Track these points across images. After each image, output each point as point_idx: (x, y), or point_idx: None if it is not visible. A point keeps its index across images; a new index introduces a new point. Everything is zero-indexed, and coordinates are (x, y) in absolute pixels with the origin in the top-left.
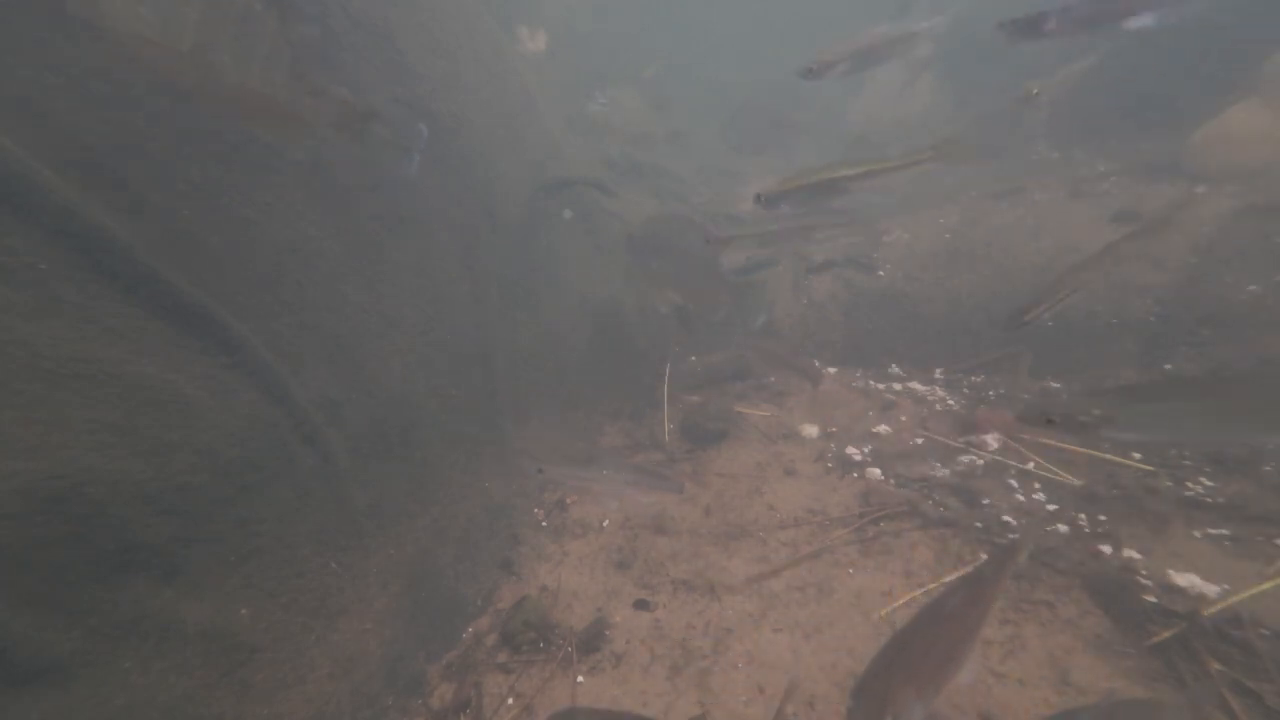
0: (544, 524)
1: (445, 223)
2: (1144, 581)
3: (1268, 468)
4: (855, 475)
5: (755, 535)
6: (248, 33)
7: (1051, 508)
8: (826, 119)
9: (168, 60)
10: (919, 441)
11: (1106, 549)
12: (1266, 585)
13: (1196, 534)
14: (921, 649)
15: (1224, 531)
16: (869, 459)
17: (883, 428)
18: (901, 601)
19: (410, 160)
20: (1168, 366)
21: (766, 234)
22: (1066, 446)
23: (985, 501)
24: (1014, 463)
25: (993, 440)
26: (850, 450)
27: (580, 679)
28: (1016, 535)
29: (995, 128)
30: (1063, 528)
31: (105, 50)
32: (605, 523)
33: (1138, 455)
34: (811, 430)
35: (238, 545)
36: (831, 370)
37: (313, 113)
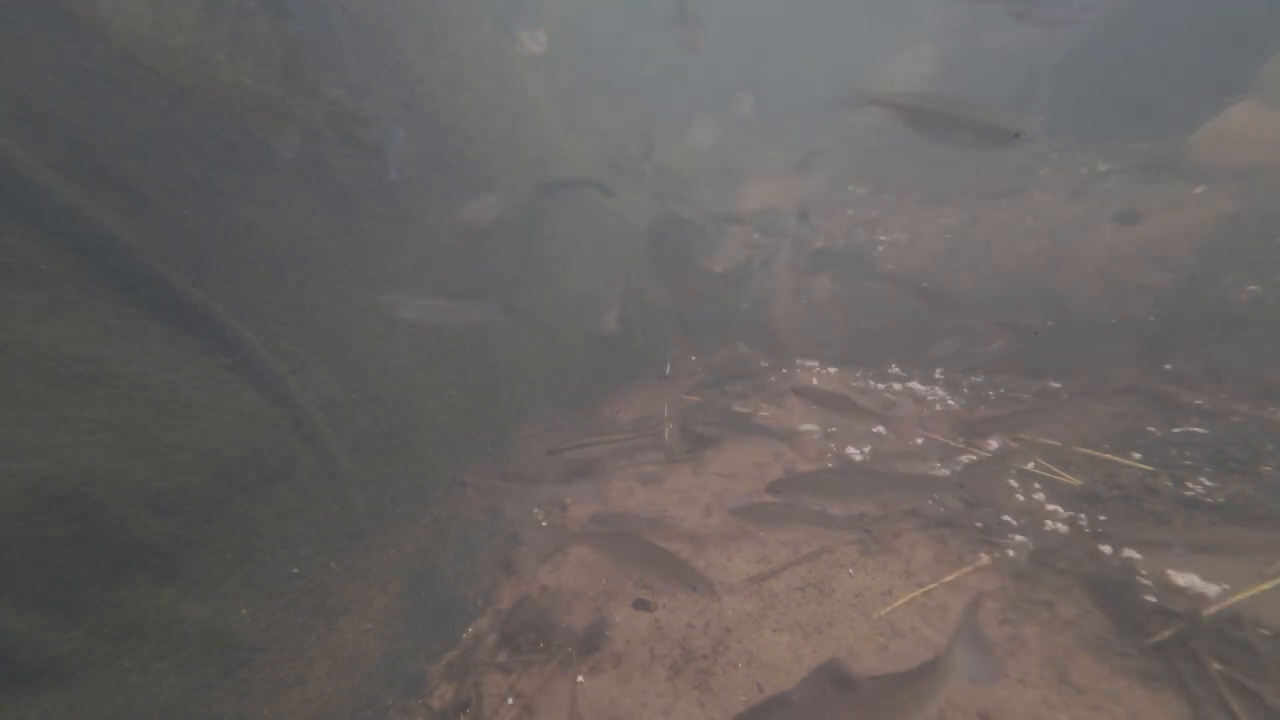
0: (544, 524)
1: (445, 223)
2: (1144, 581)
3: (1268, 468)
4: None
5: (755, 535)
6: (242, 31)
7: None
8: (826, 117)
9: (165, 58)
10: (919, 441)
11: (1106, 549)
12: (1266, 585)
13: None
14: None
15: None
16: (869, 459)
17: (883, 428)
18: (901, 601)
19: (389, 165)
20: (1168, 366)
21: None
22: (1067, 446)
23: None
24: (1014, 463)
25: (993, 440)
26: (850, 450)
27: (580, 679)
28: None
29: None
30: (1062, 528)
31: (105, 50)
32: None
33: (1137, 455)
34: (812, 430)
35: (238, 545)
36: (832, 370)
37: (306, 111)
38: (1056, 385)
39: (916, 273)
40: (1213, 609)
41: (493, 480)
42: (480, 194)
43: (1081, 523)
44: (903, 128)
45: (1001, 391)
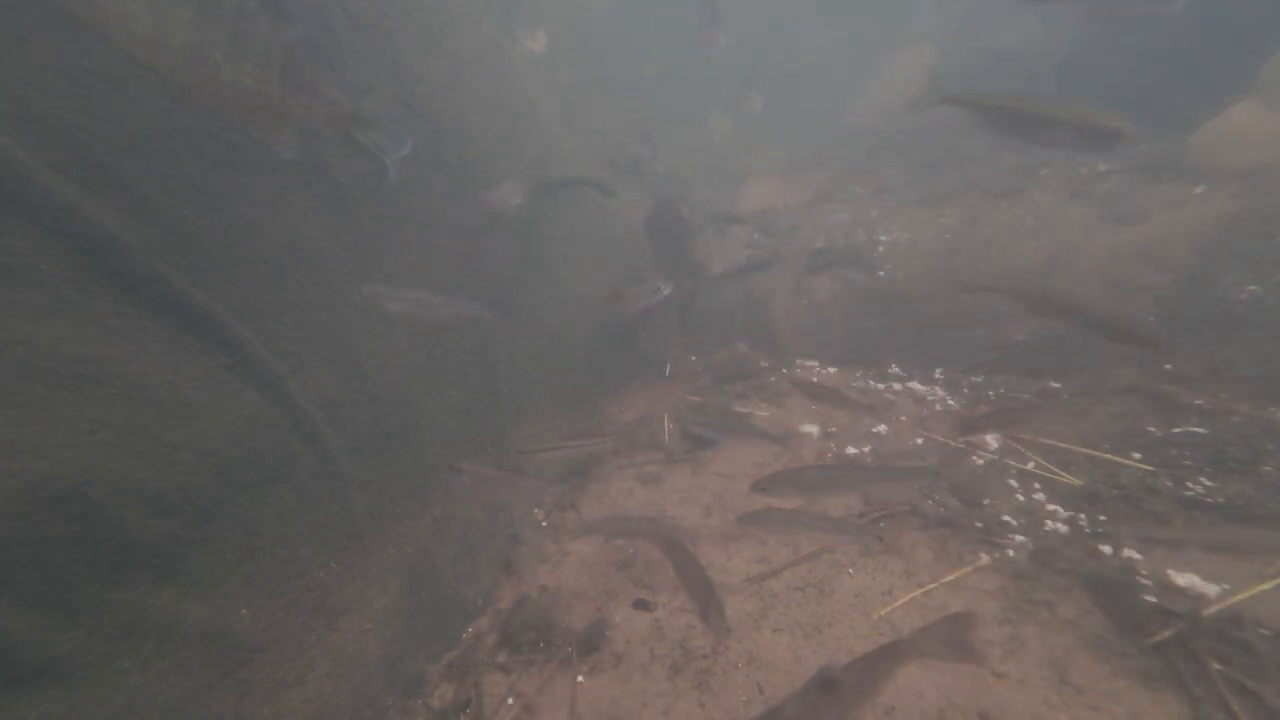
0: (544, 524)
1: (445, 222)
2: (1144, 581)
3: (1268, 468)
4: None
5: (755, 535)
6: (241, 30)
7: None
8: (825, 118)
9: (164, 58)
10: (919, 441)
11: (1106, 549)
12: (1266, 585)
13: None
14: None
15: None
16: (869, 459)
17: (883, 428)
18: (901, 601)
19: (386, 168)
20: (1168, 366)
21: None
22: (1067, 446)
23: (985, 502)
24: (1014, 463)
25: (993, 440)
26: (850, 450)
27: (580, 679)
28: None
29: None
30: (1062, 528)
31: (105, 50)
32: None
33: (1137, 455)
34: (811, 430)
35: (238, 545)
36: (832, 370)
37: (305, 111)
38: (1056, 385)
39: (920, 273)
40: (1213, 609)
41: (488, 470)
42: (504, 181)
43: (1081, 523)
44: (987, 127)
45: (1001, 391)
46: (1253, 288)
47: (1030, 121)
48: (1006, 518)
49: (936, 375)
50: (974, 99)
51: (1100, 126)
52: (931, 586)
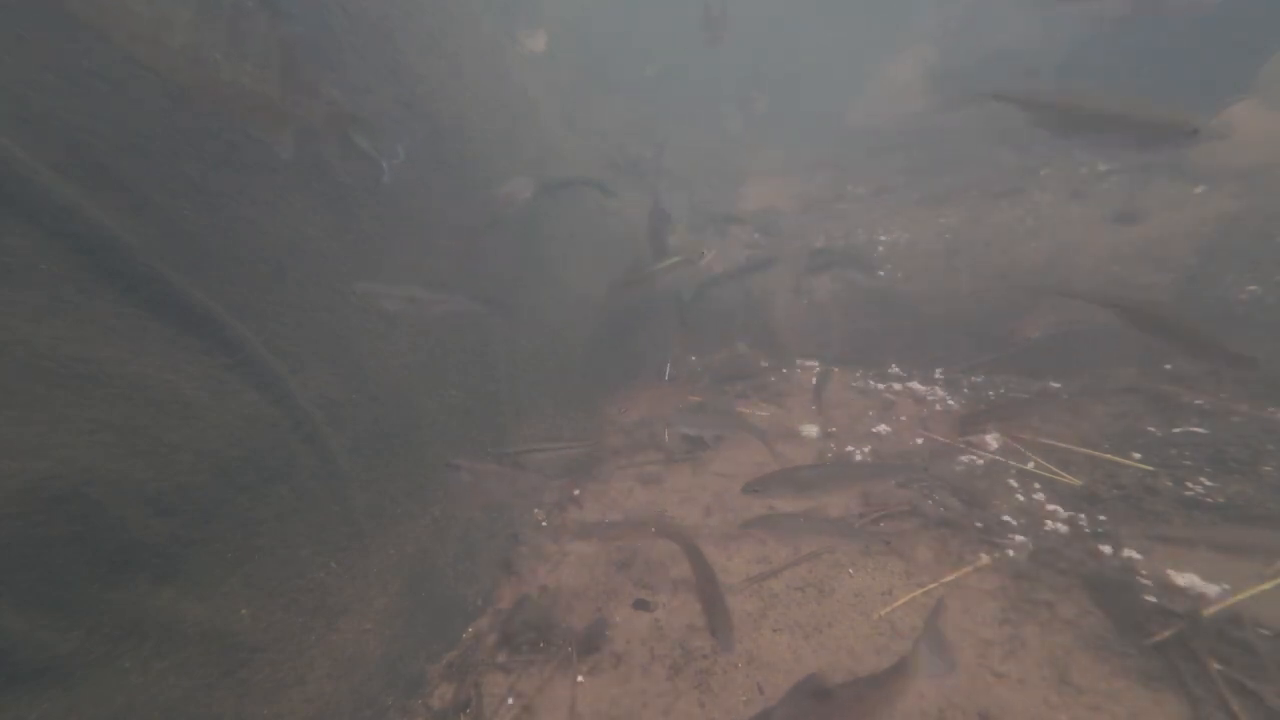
0: (544, 524)
1: (445, 222)
2: (1144, 581)
3: (1268, 468)
4: None
5: (755, 535)
6: (241, 31)
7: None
8: (825, 118)
9: (164, 58)
10: (919, 441)
11: (1106, 549)
12: (1266, 585)
13: None
14: None
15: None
16: (870, 459)
17: (883, 428)
18: (901, 601)
19: (383, 171)
20: (1168, 366)
21: None
22: (1067, 446)
23: (985, 502)
24: (1014, 463)
25: (993, 440)
26: (850, 450)
27: (580, 679)
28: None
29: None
30: (1062, 528)
31: (105, 50)
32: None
33: (1137, 455)
34: (811, 430)
35: (238, 545)
36: (832, 370)
37: (305, 111)
38: (1056, 385)
39: (920, 273)
40: (1213, 609)
41: (486, 465)
42: (514, 176)
43: (1081, 523)
44: (1043, 129)
45: (1001, 391)
46: (1253, 288)
47: (1094, 121)
48: (1006, 518)
49: (936, 375)
50: (1025, 97)
51: (1174, 125)
52: (931, 586)
